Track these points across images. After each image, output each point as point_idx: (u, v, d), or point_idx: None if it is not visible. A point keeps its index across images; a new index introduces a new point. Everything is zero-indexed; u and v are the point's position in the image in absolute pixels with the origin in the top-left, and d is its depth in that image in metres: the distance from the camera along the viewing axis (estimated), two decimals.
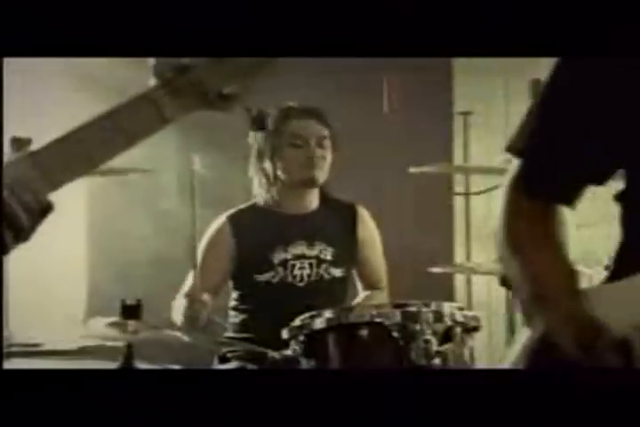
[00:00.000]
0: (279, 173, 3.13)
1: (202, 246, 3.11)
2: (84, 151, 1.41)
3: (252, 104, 1.45)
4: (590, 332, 1.52)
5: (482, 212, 4.08)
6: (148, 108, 1.42)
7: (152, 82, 1.44)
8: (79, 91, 3.89)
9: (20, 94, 3.41)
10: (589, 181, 1.66)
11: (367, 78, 4.15)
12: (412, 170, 3.38)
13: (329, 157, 3.14)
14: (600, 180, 1.66)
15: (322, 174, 3.13)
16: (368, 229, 3.30)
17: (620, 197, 1.65)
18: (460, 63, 4.38)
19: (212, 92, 1.43)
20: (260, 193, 3.20)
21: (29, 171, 1.39)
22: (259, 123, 1.48)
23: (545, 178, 1.66)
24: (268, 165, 3.14)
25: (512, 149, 1.68)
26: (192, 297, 2.93)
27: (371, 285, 3.35)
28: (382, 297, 3.32)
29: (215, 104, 1.44)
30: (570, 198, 1.67)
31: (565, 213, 1.68)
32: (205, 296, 2.92)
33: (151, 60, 1.42)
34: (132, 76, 1.71)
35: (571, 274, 1.64)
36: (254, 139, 3.19)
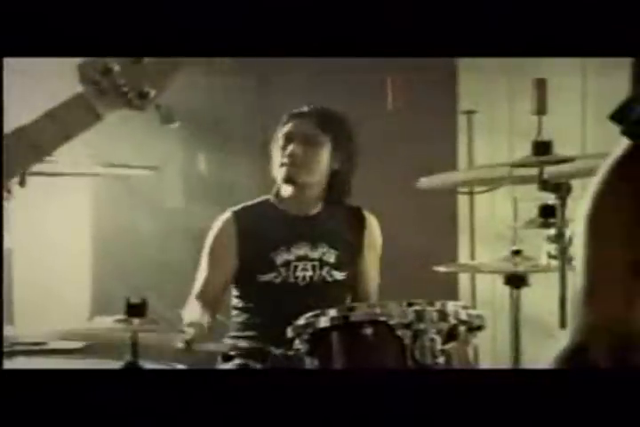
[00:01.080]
0: (273, 170, 3.15)
1: (207, 246, 3.11)
2: (31, 143, 1.56)
3: (162, 102, 1.58)
4: (627, 343, 1.50)
5: (486, 210, 4.08)
6: (82, 106, 1.57)
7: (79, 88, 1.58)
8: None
9: (20, 94, 3.41)
10: None
11: (371, 78, 4.15)
12: (420, 185, 3.34)
13: (320, 156, 3.12)
14: None
15: (304, 175, 3.11)
16: (373, 237, 3.29)
17: None
18: (463, 63, 4.38)
19: (131, 92, 1.56)
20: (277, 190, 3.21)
21: None
22: (167, 118, 1.61)
23: None
24: (270, 163, 3.16)
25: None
26: (206, 300, 2.95)
27: (358, 295, 3.32)
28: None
29: (134, 103, 1.57)
30: None
31: None
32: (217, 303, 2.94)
33: (77, 62, 1.56)
34: None
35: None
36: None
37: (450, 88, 4.39)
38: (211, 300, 3.02)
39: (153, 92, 1.55)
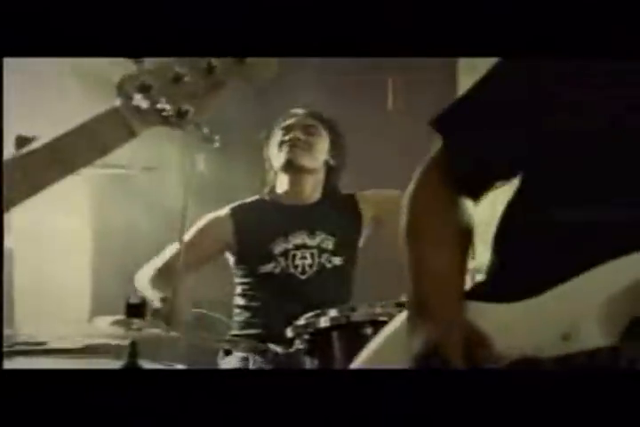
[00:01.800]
0: (272, 159, 3.18)
1: (197, 227, 3.15)
2: (61, 158, 1.51)
3: (202, 122, 1.55)
4: (474, 343, 1.52)
5: (486, 212, 4.07)
6: (117, 121, 1.52)
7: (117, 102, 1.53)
8: (79, 91, 3.89)
9: (20, 94, 3.41)
10: (500, 177, 1.65)
11: (372, 78, 4.15)
12: None
13: (319, 145, 3.18)
14: (507, 177, 1.65)
15: (305, 159, 3.16)
16: (371, 196, 3.31)
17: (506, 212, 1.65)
18: (464, 63, 4.38)
19: (169, 110, 1.52)
20: (263, 186, 3.23)
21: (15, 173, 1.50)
22: (208, 138, 1.58)
23: (461, 165, 1.64)
24: (265, 154, 3.19)
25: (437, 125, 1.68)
26: (166, 276, 2.94)
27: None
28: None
29: (171, 121, 1.53)
30: (477, 192, 1.66)
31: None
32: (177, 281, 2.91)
33: (115, 79, 1.52)
34: None
35: (459, 281, 1.62)
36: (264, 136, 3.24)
37: (450, 88, 4.39)
38: (172, 277, 2.99)
39: (192, 111, 1.52)
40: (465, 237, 1.66)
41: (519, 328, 1.53)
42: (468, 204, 1.68)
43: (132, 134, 1.53)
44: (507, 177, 1.66)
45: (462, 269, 1.64)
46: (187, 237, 3.02)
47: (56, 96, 3.98)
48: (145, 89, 1.50)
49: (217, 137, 1.57)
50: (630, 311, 1.46)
